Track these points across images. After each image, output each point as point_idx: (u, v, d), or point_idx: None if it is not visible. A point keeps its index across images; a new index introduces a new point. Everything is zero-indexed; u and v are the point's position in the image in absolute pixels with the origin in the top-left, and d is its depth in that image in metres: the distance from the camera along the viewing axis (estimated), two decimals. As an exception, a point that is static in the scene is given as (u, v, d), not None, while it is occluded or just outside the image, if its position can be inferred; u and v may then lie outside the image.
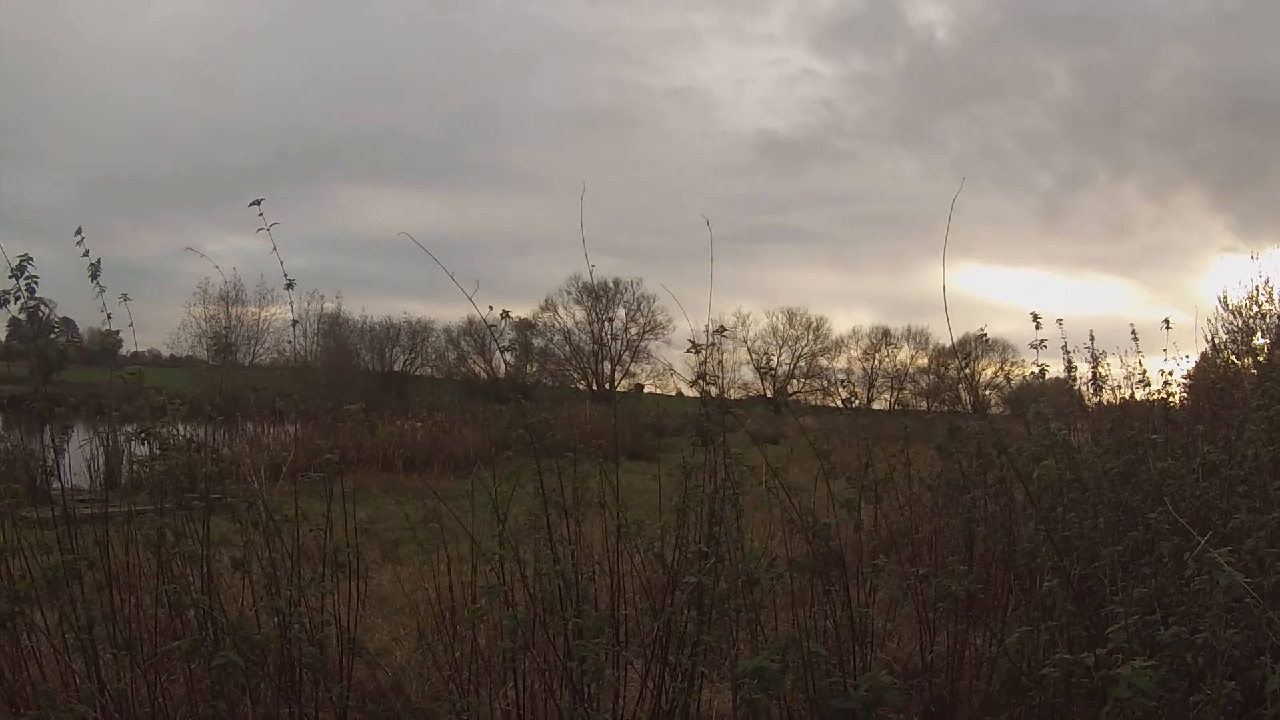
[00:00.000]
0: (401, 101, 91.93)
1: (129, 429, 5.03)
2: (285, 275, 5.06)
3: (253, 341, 51.03)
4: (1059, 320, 6.38)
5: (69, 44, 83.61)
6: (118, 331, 5.23)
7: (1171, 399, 8.60)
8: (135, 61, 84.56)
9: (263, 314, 49.24)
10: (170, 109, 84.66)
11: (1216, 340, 14.11)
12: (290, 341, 47.76)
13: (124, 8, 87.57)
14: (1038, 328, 5.62)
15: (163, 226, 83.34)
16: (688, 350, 4.85)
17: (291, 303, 5.81)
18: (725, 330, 5.21)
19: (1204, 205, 73.84)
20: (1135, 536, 4.87)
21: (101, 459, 10.25)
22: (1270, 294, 14.58)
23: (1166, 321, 7.48)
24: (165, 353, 50.48)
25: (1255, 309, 15.06)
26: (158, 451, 4.80)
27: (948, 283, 4.83)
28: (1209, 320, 14.50)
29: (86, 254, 4.70)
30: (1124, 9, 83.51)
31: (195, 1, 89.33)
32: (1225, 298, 15.33)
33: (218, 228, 75.59)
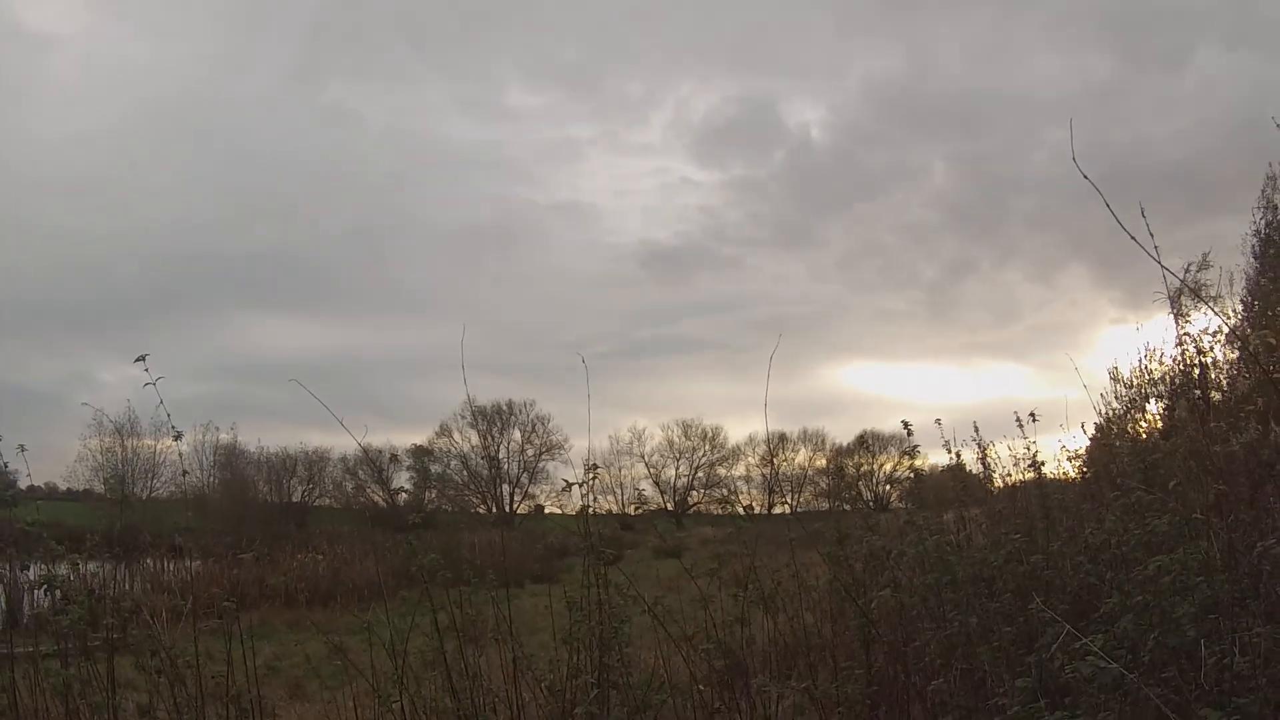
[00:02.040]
0: (288, 222, 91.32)
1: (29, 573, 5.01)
2: (172, 428, 5.05)
3: (149, 475, 49.95)
4: (937, 420, 6.73)
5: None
6: (14, 472, 5.20)
7: (1066, 475, 8.98)
8: (25, 178, 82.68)
9: (158, 446, 48.36)
10: (60, 228, 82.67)
11: (1109, 413, 14.70)
12: (185, 473, 46.54)
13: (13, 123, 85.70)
14: (909, 434, 5.89)
15: (56, 351, 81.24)
16: (562, 490, 4.95)
17: (180, 454, 5.79)
18: (599, 468, 5.33)
19: (1089, 281, 76.87)
20: (1010, 632, 5.05)
21: (2, 599, 9.94)
22: (1160, 359, 15.27)
23: (1033, 414, 7.89)
24: (62, 486, 49.29)
25: (1145, 376, 15.72)
26: (60, 600, 4.78)
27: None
28: (1101, 394, 15.15)
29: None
30: (997, 94, 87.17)
31: (87, 119, 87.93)
32: (1115, 370, 16.04)
33: (112, 356, 73.96)
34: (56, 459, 47.10)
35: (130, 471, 49.82)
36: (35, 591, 5.50)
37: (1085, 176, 4.27)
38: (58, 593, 4.91)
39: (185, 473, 45.50)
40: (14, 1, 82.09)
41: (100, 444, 49.16)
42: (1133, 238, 4.34)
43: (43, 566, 4.98)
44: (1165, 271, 4.93)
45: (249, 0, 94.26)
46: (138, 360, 4.83)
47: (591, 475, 5.18)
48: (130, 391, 57.94)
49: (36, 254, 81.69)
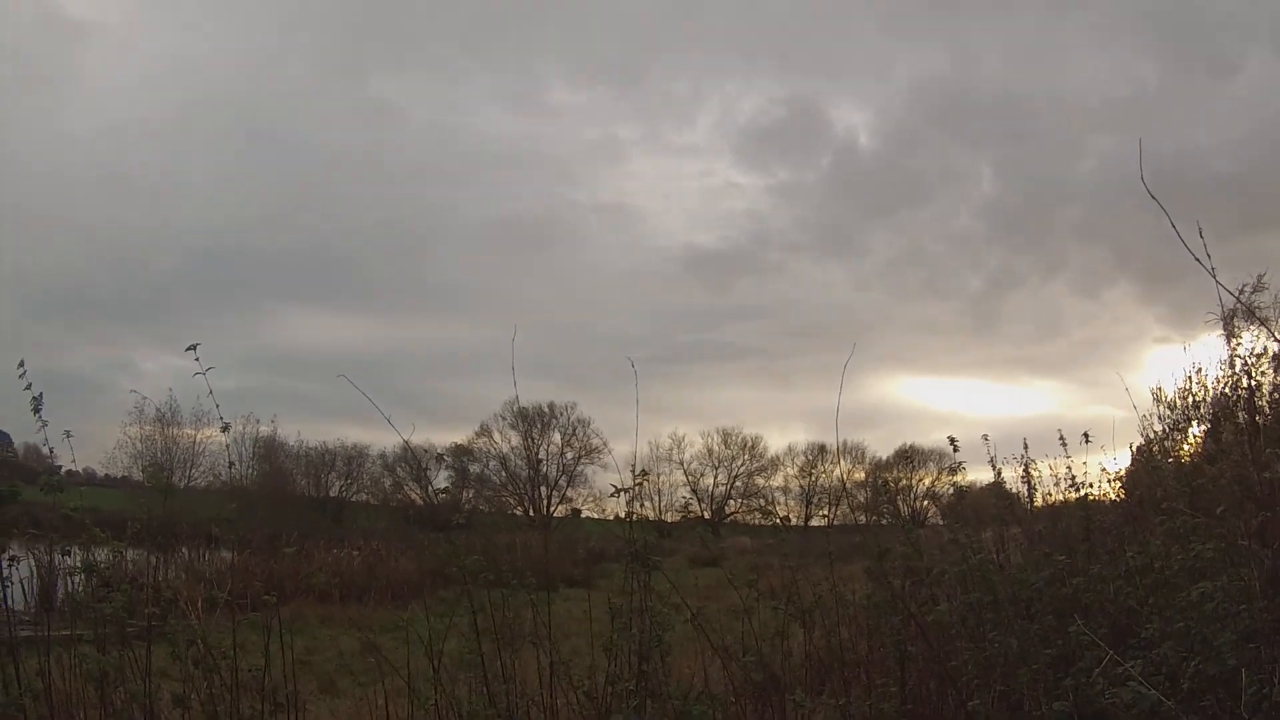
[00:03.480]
0: (328, 216, 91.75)
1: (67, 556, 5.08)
2: (221, 419, 5.14)
3: (188, 464, 50.40)
4: (985, 436, 6.70)
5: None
6: (60, 468, 5.29)
7: (1106, 496, 8.89)
8: (63, 170, 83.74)
9: (198, 436, 48.79)
10: (97, 220, 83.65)
11: (1151, 434, 14.54)
12: (232, 465, 47.01)
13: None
14: (955, 450, 5.87)
15: (98, 339, 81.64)
16: (611, 495, 4.97)
17: (226, 445, 5.87)
18: (648, 474, 5.35)
19: (1135, 297, 75.31)
20: (1051, 654, 5.02)
21: (37, 582, 10.13)
22: (1203, 382, 15.06)
23: (1085, 435, 7.81)
24: (100, 472, 49.83)
25: (1189, 399, 15.51)
26: (100, 587, 4.84)
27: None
28: (1144, 416, 14.98)
29: (29, 387, 4.83)
30: (1045, 98, 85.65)
31: (125, 111, 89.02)
32: (1159, 390, 15.85)
33: (153, 345, 74.66)
34: (95, 445, 47.56)
35: (170, 460, 50.34)
36: (70, 577, 5.56)
37: (1153, 197, 4.24)
38: (95, 579, 4.95)
39: (232, 464, 45.85)
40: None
41: (140, 431, 49.79)
42: (1194, 256, 4.31)
43: (81, 552, 5.04)
44: (1220, 288, 4.87)
45: None
46: (189, 349, 4.91)
47: (639, 482, 5.19)
48: (172, 380, 58.80)
49: (74, 246, 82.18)
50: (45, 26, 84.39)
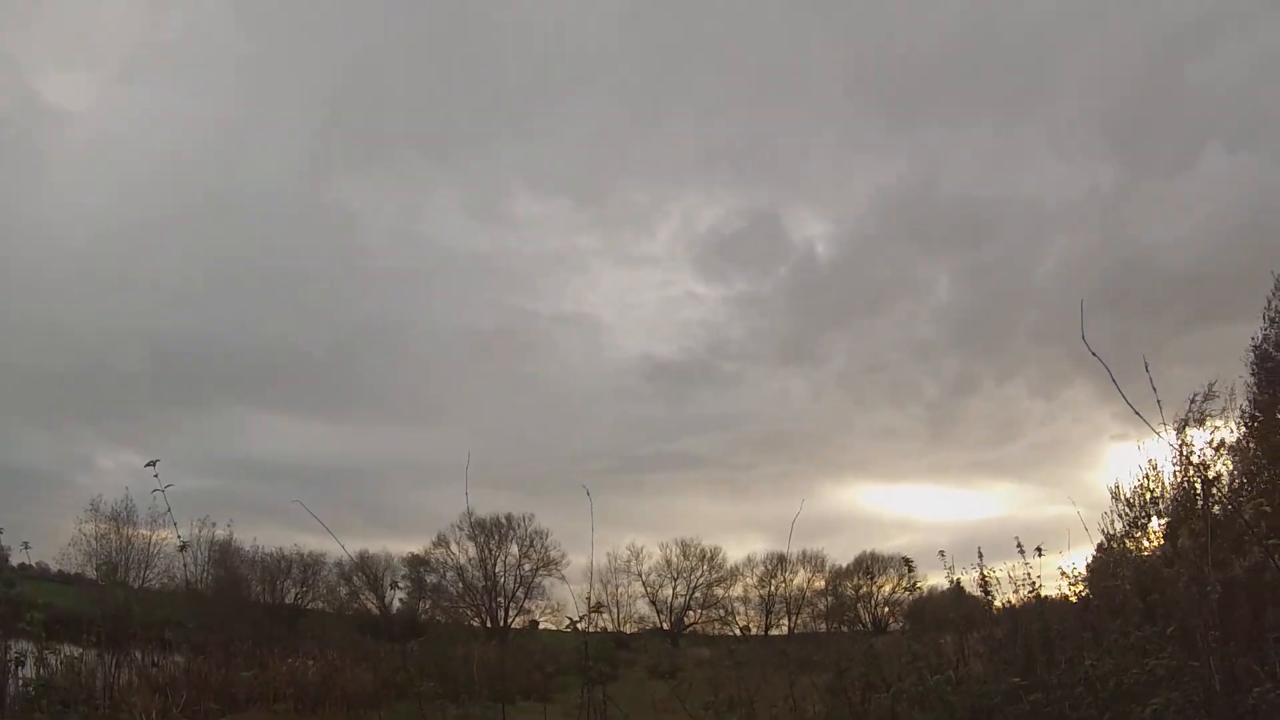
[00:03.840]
0: (294, 317, 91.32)
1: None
2: (179, 535, 5.11)
3: (143, 565, 49.56)
4: (941, 552, 6.77)
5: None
6: (7, 549, 5.22)
7: (1065, 596, 8.93)
8: (30, 257, 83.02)
9: (154, 537, 48.13)
10: (65, 302, 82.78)
11: (1111, 531, 14.70)
12: (185, 566, 46.23)
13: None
14: (910, 570, 5.91)
15: (56, 429, 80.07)
16: (566, 628, 4.97)
17: (185, 555, 5.81)
18: (603, 607, 5.36)
19: (1092, 396, 76.26)
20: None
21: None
22: (1159, 478, 15.30)
23: (1039, 549, 7.88)
24: (54, 567, 48.80)
25: (1147, 495, 15.74)
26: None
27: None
28: (1104, 513, 15.16)
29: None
30: (1004, 204, 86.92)
31: (92, 193, 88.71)
32: (1118, 488, 16.09)
33: (112, 442, 73.56)
34: (48, 539, 46.68)
35: (125, 560, 49.52)
36: (19, 670, 5.46)
37: (1094, 354, 4.39)
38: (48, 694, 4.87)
39: (188, 579, 45.08)
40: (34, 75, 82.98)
41: (96, 529, 49.01)
42: (1139, 414, 4.41)
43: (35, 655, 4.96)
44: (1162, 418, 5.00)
45: (261, 85, 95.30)
46: (148, 465, 4.94)
47: (591, 610, 5.20)
48: (129, 479, 57.89)
49: (35, 336, 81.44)
50: (21, 110, 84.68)
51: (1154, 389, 4.64)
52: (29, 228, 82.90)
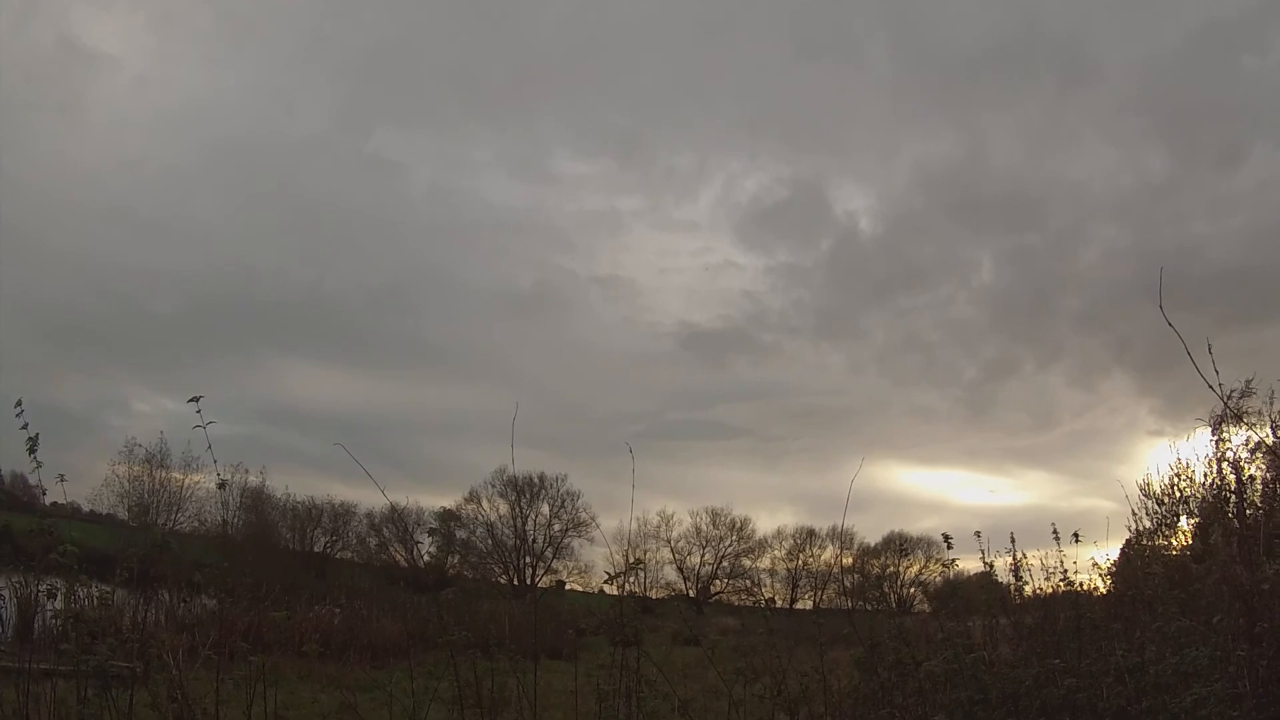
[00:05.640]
0: (329, 269, 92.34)
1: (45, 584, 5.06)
2: (219, 475, 5.12)
3: (174, 508, 50.24)
4: (977, 533, 6.69)
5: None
6: (41, 488, 5.27)
7: (1095, 588, 8.85)
8: (67, 199, 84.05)
9: (186, 480, 48.70)
10: (100, 244, 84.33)
11: (1141, 528, 14.50)
12: (223, 505, 46.96)
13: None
14: (949, 546, 5.85)
15: (94, 373, 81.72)
16: (605, 582, 4.97)
17: (223, 499, 5.87)
18: (641, 564, 5.34)
19: (1130, 389, 75.25)
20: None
21: (14, 610, 10.01)
22: (1190, 478, 15.09)
23: (1076, 535, 7.78)
24: (85, 507, 49.70)
25: (1176, 494, 15.56)
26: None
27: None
28: (1134, 510, 14.96)
29: (25, 427, 4.82)
30: (1050, 188, 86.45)
31: (130, 140, 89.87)
32: (1149, 484, 15.86)
33: (146, 385, 74.54)
34: (80, 479, 47.55)
35: (156, 502, 50.28)
36: (52, 620, 5.52)
37: (1170, 325, 4.26)
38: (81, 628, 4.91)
39: (225, 518, 45.66)
40: (70, 15, 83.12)
41: (129, 471, 49.78)
42: (1207, 382, 4.32)
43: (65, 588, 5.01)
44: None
45: (303, 38, 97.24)
46: (191, 401, 4.94)
47: (629, 568, 5.17)
48: (163, 422, 58.74)
49: (72, 277, 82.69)
50: (63, 53, 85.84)
51: (1215, 370, 4.52)
52: (67, 168, 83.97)
